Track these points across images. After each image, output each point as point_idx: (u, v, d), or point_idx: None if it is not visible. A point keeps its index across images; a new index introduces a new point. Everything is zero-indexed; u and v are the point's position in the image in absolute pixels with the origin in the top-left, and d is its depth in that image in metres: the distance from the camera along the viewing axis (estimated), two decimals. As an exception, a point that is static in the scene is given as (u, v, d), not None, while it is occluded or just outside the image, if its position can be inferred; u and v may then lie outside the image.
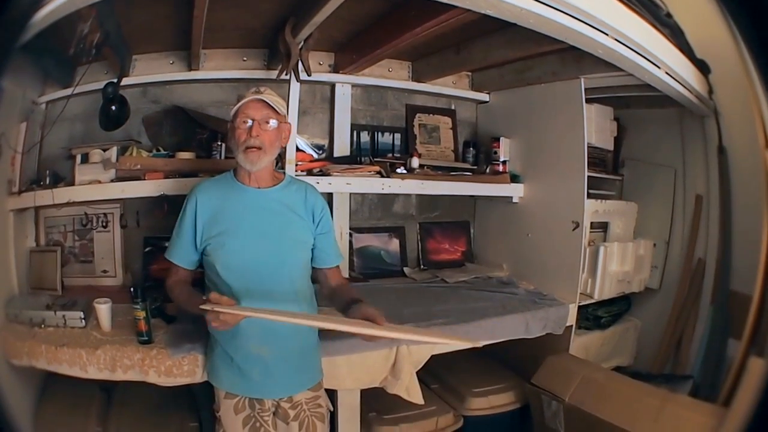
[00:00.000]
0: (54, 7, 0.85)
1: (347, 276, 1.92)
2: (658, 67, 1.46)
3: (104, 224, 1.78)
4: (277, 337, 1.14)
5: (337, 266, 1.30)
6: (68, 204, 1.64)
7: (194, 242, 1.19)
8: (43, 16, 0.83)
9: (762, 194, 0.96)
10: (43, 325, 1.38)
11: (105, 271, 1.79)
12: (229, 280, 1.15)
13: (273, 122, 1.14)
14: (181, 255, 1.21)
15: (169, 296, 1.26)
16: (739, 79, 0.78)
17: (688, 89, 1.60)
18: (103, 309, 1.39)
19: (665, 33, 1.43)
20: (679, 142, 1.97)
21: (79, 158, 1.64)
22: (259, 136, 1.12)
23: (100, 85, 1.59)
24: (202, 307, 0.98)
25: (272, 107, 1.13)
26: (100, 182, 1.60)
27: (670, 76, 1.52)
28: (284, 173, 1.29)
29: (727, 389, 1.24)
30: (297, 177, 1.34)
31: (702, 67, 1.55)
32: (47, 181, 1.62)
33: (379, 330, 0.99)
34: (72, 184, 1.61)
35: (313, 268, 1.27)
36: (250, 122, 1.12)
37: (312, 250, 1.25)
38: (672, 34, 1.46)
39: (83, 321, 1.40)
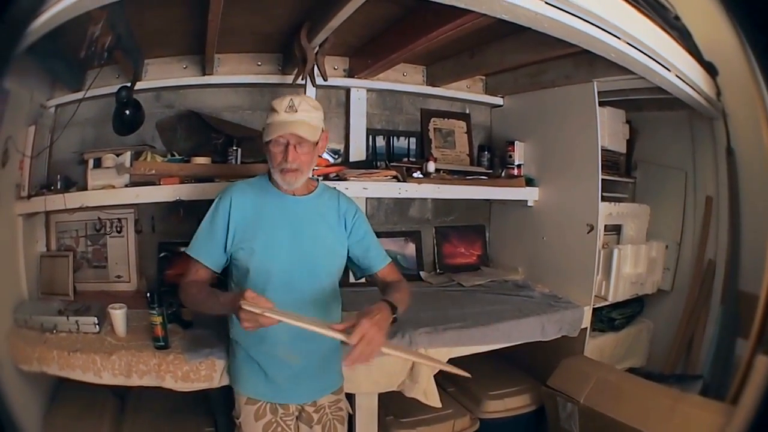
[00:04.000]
0: (61, 8, 0.84)
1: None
2: (669, 70, 1.47)
3: (118, 229, 1.77)
4: (305, 341, 1.13)
5: (388, 265, 1.25)
6: (81, 209, 1.63)
7: (224, 244, 1.15)
8: (49, 17, 0.82)
9: (769, 196, 0.97)
10: (54, 331, 1.37)
11: (119, 277, 1.78)
12: (258, 285, 1.12)
13: (308, 145, 1.10)
14: (210, 254, 1.16)
15: (181, 296, 1.16)
16: (745, 80, 0.79)
17: (697, 91, 1.61)
18: (118, 314, 1.38)
19: (674, 36, 1.44)
20: (690, 144, 1.98)
21: (91, 163, 1.63)
22: (296, 160, 1.09)
23: (112, 89, 1.58)
24: (245, 306, 0.91)
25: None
26: (113, 187, 1.59)
27: (680, 78, 1.53)
28: (317, 180, 1.26)
29: (735, 388, 1.25)
30: (329, 185, 1.31)
31: (709, 69, 1.56)
32: (58, 186, 1.61)
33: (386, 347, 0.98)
34: (84, 188, 1.60)
35: (368, 276, 1.25)
36: (284, 143, 1.09)
37: (353, 259, 1.23)
38: (680, 37, 1.47)
39: (97, 326, 1.39)
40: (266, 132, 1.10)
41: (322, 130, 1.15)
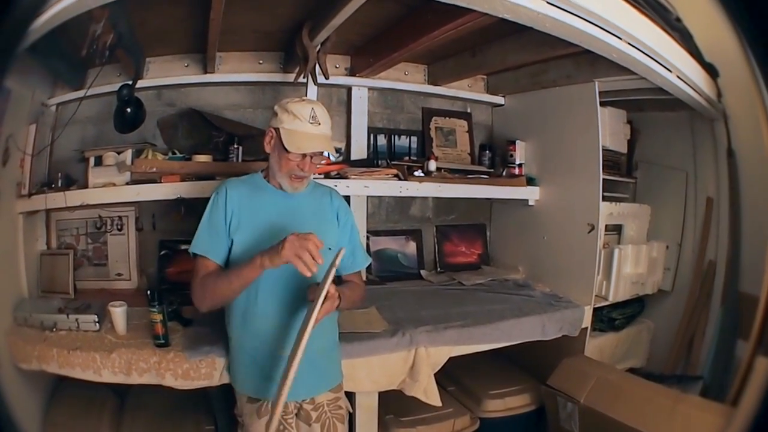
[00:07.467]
0: (63, 6, 0.84)
1: (365, 279, 1.90)
2: (670, 71, 1.48)
3: (119, 227, 1.77)
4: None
5: (359, 271, 1.31)
6: (81, 207, 1.63)
7: (227, 236, 1.16)
8: (51, 16, 0.82)
9: (769, 197, 0.97)
10: (54, 329, 1.37)
11: (119, 275, 1.78)
12: (256, 281, 1.13)
13: (322, 155, 1.18)
14: (215, 249, 1.15)
15: (197, 294, 1.13)
16: (746, 82, 0.79)
17: (698, 92, 1.61)
18: (119, 312, 1.38)
19: (675, 37, 1.44)
20: (690, 145, 1.98)
21: (92, 161, 1.62)
22: (311, 170, 1.15)
23: (113, 87, 1.58)
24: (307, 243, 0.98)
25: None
26: (114, 185, 1.59)
27: (681, 79, 1.53)
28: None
29: (735, 389, 1.25)
30: (319, 182, 1.36)
31: (710, 70, 1.56)
32: (59, 184, 1.61)
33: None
34: (85, 186, 1.60)
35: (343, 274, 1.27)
36: (301, 155, 1.12)
37: None
38: (681, 38, 1.47)
39: (97, 324, 1.39)
40: (289, 140, 1.09)
41: None
